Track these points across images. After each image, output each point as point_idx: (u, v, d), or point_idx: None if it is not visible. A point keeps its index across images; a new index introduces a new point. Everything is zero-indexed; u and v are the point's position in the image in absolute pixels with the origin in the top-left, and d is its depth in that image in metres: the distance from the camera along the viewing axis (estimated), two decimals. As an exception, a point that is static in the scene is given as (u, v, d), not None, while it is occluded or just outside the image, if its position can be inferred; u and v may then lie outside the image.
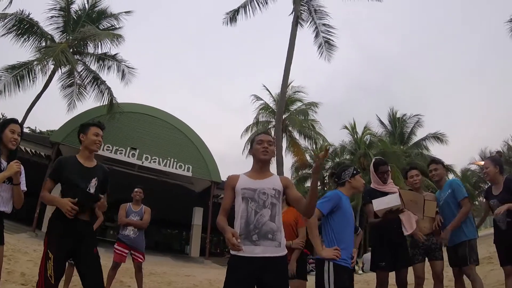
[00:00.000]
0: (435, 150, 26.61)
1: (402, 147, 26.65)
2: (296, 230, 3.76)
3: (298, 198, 2.45)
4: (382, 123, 29.06)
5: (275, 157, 17.33)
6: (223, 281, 2.32)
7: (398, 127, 28.52)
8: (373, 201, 3.49)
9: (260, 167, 2.54)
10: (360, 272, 14.22)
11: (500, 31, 19.95)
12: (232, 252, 2.32)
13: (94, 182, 3.03)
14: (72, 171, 2.97)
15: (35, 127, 34.31)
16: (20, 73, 16.07)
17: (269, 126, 24.05)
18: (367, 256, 14.19)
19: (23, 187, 2.86)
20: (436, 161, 4.36)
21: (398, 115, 29.00)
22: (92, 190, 3.00)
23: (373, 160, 4.11)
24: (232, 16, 18.11)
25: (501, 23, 17.40)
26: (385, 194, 3.70)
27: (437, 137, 26.83)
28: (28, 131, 27.61)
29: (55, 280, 2.83)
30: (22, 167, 2.87)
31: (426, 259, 4.06)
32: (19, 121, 3.03)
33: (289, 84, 21.82)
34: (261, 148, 2.52)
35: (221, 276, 2.33)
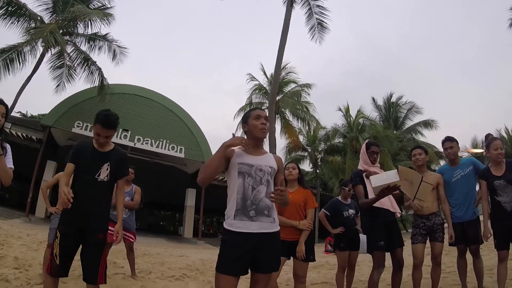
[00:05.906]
0: (428, 136, 26.72)
1: (395, 132, 26.66)
2: (304, 211, 3.73)
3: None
4: (377, 106, 29.07)
5: (268, 139, 17.37)
6: (215, 261, 2.27)
7: (393, 112, 28.50)
8: (371, 177, 3.37)
9: (256, 144, 2.46)
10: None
11: (501, 21, 19.79)
12: (226, 226, 2.28)
13: (106, 166, 2.96)
14: (85, 155, 2.96)
15: (26, 111, 33.64)
16: (9, 56, 15.71)
17: (263, 108, 23.99)
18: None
19: (10, 164, 2.68)
20: (451, 139, 4.28)
21: (393, 99, 28.98)
22: (103, 175, 2.94)
23: (366, 141, 4.06)
24: None
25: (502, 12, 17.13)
26: None
27: (428, 123, 26.87)
28: (19, 116, 27.16)
29: (60, 261, 2.71)
30: (9, 145, 2.73)
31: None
32: (8, 105, 2.90)
33: (284, 67, 21.69)
34: (260, 125, 2.42)
35: (214, 256, 2.34)
